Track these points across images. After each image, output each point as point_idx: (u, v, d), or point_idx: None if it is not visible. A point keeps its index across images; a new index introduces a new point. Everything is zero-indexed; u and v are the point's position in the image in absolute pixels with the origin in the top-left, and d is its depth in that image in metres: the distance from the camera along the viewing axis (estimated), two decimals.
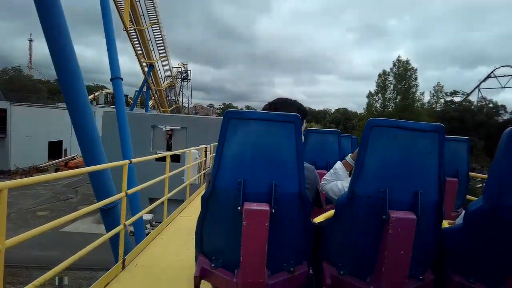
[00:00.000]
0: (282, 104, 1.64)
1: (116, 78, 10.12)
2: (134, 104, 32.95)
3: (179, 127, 20.40)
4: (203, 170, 9.52)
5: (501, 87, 41.17)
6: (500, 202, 1.25)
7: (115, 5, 18.43)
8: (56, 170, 29.26)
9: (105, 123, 19.70)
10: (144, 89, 31.83)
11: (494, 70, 41.71)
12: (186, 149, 8.16)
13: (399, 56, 42.14)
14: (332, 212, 1.44)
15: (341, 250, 1.41)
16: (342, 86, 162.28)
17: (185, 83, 42.03)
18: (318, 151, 3.47)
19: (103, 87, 59.53)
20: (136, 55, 26.78)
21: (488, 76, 41.56)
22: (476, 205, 1.32)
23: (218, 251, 1.42)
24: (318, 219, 1.66)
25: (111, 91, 42.98)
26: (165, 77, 33.98)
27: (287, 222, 1.36)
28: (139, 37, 25.81)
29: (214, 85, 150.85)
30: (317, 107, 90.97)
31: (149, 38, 27.10)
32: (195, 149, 8.57)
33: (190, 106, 45.87)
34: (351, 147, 5.08)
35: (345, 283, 1.37)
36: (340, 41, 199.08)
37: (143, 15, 25.10)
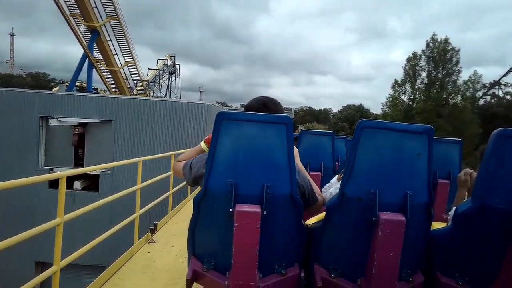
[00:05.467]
0: (253, 103, 1.64)
1: None
2: (71, 87, 20.39)
3: (97, 120, 10.75)
4: None
5: None
6: (488, 203, 1.26)
7: None
8: None
9: None
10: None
11: None
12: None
13: (434, 34, 32.66)
14: (323, 214, 1.45)
15: (331, 252, 1.41)
16: (339, 87, 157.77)
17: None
18: (312, 153, 3.36)
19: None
20: (62, 12, 17.20)
21: (510, 70, 35.90)
22: (464, 206, 1.33)
23: (210, 254, 1.41)
24: (310, 221, 1.67)
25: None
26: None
27: (278, 224, 1.36)
28: None
29: (211, 86, 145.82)
30: (317, 107, 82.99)
31: None
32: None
33: None
34: (345, 149, 5.01)
35: (336, 285, 1.36)
36: (338, 42, 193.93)
37: None
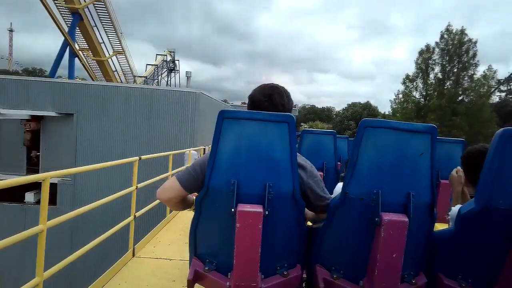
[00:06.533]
0: (257, 95, 1.56)
1: None
2: (52, 74, 17.62)
3: (54, 113, 8.61)
4: None
5: None
6: (491, 205, 1.25)
7: None
8: None
9: None
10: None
11: None
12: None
13: (449, 24, 30.55)
14: (325, 214, 1.45)
15: (333, 253, 1.40)
16: (340, 85, 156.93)
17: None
18: (313, 153, 3.27)
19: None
20: None
21: None
22: (467, 207, 1.31)
23: (212, 254, 1.40)
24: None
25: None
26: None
27: (280, 224, 1.35)
28: None
29: (213, 84, 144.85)
30: (318, 105, 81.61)
31: None
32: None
33: None
34: (347, 149, 4.93)
35: (338, 287, 1.35)
36: (340, 39, 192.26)
37: None
